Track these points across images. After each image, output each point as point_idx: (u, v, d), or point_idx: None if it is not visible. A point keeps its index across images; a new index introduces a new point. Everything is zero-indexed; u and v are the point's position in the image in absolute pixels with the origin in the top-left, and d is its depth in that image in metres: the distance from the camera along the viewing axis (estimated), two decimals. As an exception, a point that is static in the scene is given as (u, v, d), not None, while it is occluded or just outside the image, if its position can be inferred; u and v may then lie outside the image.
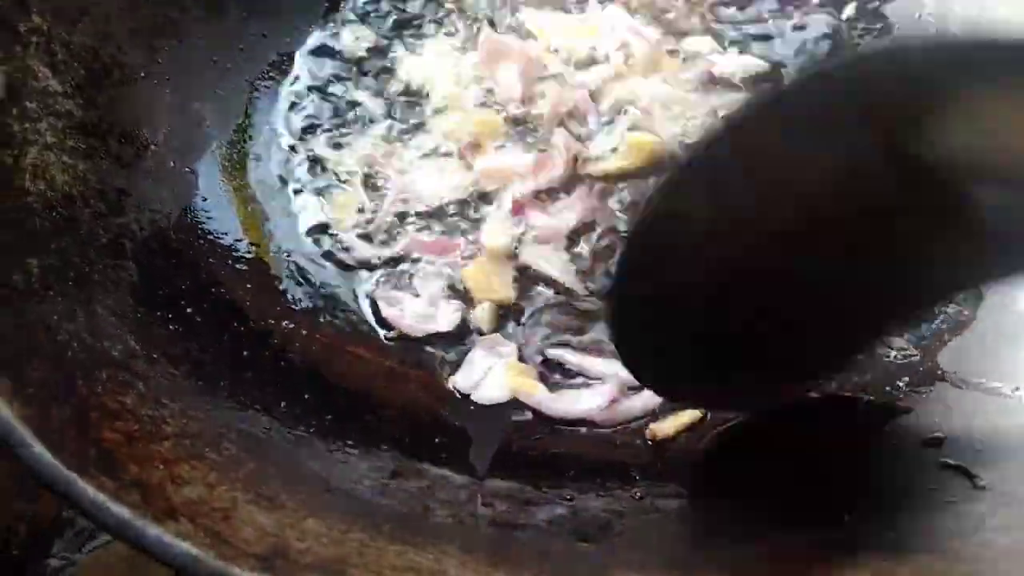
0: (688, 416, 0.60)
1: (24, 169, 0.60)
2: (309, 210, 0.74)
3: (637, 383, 0.59)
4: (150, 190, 0.69)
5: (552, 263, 0.69)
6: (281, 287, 0.68)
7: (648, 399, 0.61)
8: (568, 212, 0.72)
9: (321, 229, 0.73)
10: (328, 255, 0.71)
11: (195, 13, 0.81)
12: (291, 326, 0.66)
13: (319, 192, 0.76)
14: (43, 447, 0.41)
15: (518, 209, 0.72)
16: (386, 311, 0.67)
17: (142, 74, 0.74)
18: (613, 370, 0.62)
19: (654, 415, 0.61)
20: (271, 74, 0.84)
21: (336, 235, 0.73)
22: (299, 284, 0.69)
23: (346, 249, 0.72)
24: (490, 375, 0.63)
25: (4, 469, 0.75)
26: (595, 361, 0.64)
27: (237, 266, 0.69)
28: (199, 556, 0.38)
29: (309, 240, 0.72)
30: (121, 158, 0.69)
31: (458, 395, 0.62)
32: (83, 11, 0.71)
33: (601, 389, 0.62)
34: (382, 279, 0.70)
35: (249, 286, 0.67)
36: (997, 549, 0.43)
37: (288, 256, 0.71)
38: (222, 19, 0.82)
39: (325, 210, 0.74)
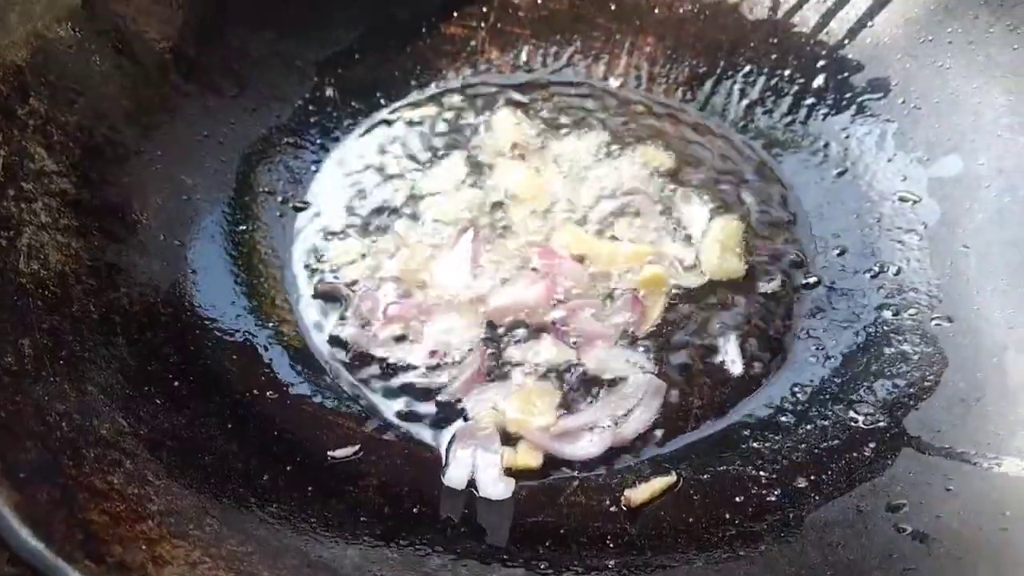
0: (661, 482, 0.62)
1: (20, 250, 0.63)
2: (301, 279, 0.78)
3: (623, 413, 0.68)
4: (140, 264, 0.71)
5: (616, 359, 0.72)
6: (267, 356, 0.70)
7: (639, 420, 0.67)
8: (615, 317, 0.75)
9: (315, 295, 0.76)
10: (318, 325, 0.74)
11: (188, 90, 0.84)
12: (275, 396, 0.67)
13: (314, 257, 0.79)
14: (30, 532, 0.43)
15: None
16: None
17: (136, 150, 0.77)
18: (605, 410, 0.68)
19: (629, 482, 0.63)
20: (261, 147, 0.87)
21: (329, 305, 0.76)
22: (284, 352, 0.71)
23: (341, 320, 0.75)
24: (485, 471, 0.64)
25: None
26: (594, 410, 0.69)
27: (224, 337, 0.70)
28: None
29: (304, 310, 0.75)
30: (113, 233, 0.71)
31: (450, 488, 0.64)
32: (79, 93, 0.74)
33: (601, 432, 0.67)
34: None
35: (235, 357, 0.69)
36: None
37: (276, 326, 0.73)
38: (214, 96, 0.86)
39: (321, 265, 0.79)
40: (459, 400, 0.69)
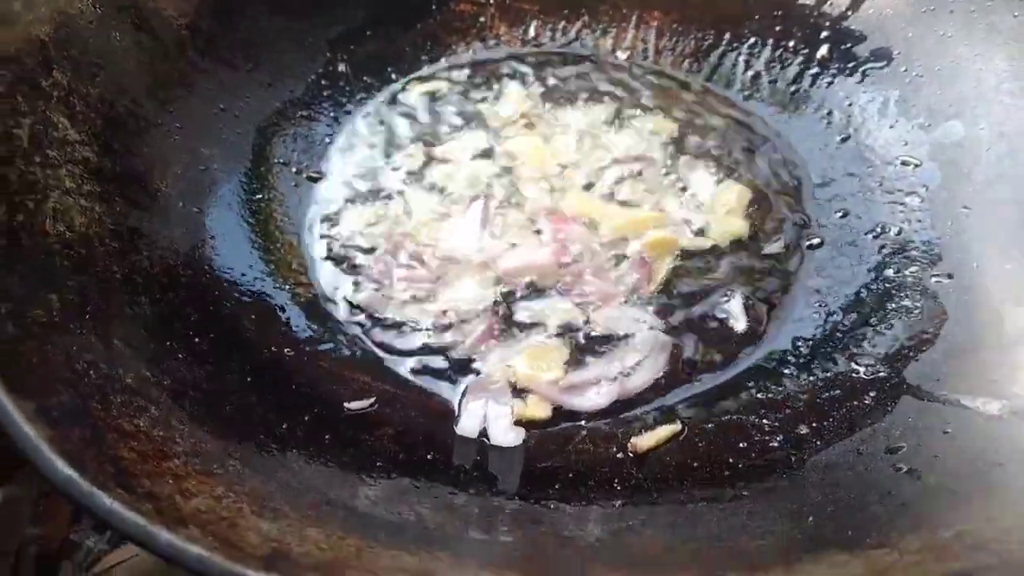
0: (666, 430, 0.64)
1: (46, 213, 0.65)
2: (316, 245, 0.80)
3: (630, 367, 0.69)
4: (161, 229, 0.73)
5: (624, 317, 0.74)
6: (284, 316, 0.72)
7: (645, 374, 0.70)
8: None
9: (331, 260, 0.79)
10: (333, 288, 0.77)
11: (204, 66, 0.86)
12: (292, 353, 0.70)
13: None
14: (65, 464, 0.45)
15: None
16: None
17: (155, 123, 0.79)
18: (612, 365, 0.70)
19: (636, 430, 0.65)
20: (275, 120, 0.89)
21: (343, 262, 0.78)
22: (301, 313, 0.73)
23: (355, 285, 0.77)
24: (495, 421, 0.66)
25: (16, 495, 0.79)
26: (601, 365, 0.71)
27: (242, 299, 0.73)
28: (209, 557, 0.42)
29: (319, 274, 0.78)
30: (134, 200, 0.73)
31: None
32: (100, 67, 0.76)
33: (608, 384, 0.69)
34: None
35: (253, 316, 0.72)
36: (942, 541, 0.46)
37: (293, 289, 0.75)
38: (230, 71, 0.88)
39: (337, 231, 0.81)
40: (471, 358, 0.71)
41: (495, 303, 0.75)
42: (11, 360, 0.52)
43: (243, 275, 0.75)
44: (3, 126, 0.65)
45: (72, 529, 0.78)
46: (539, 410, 0.67)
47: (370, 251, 0.79)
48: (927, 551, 0.45)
